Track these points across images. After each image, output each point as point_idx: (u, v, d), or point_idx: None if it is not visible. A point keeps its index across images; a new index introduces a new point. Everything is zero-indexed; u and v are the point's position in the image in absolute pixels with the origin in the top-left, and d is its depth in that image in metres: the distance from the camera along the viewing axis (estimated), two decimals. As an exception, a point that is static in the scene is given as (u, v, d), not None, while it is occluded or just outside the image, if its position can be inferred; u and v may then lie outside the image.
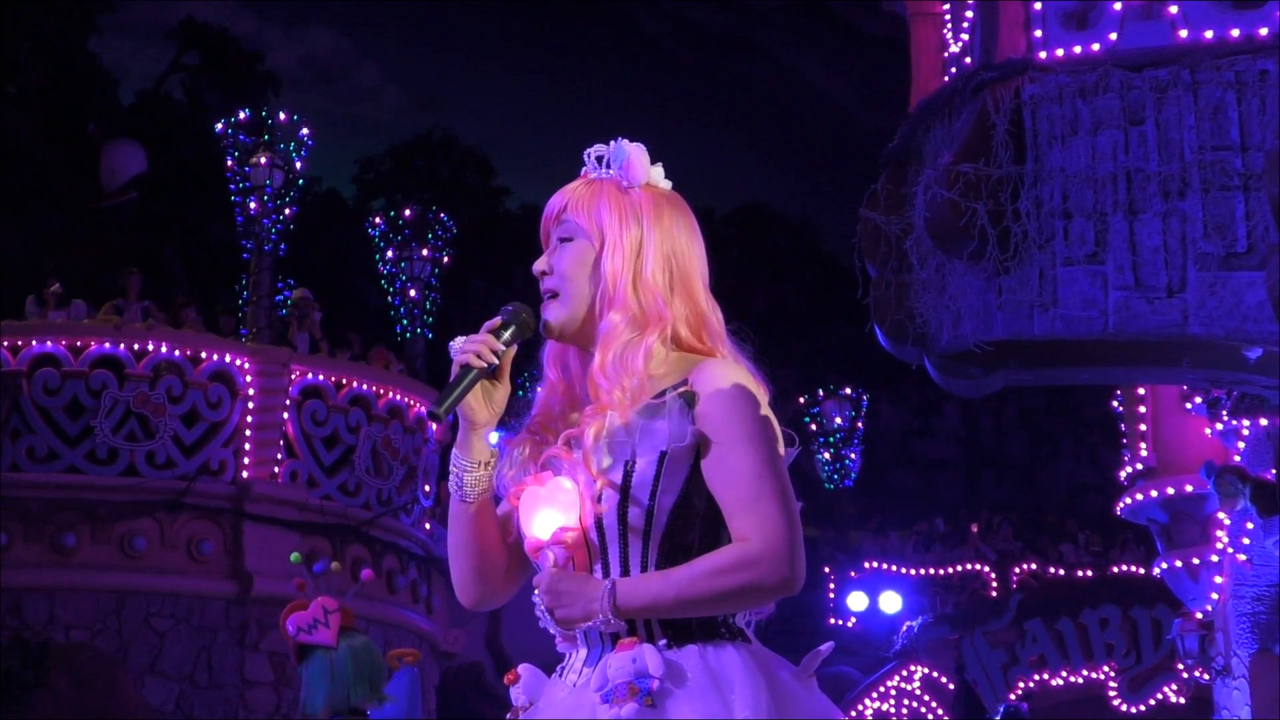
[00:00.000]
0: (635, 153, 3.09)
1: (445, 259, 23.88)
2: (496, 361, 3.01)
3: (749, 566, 2.82)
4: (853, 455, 29.70)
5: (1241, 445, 14.17)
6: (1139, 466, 15.66)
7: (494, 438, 3.09)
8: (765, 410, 2.94)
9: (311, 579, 8.01)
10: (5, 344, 16.32)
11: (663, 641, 2.88)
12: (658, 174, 3.13)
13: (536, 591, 2.95)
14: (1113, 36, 8.54)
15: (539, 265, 3.09)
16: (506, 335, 3.02)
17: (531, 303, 3.12)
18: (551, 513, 2.94)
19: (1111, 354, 9.13)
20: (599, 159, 3.11)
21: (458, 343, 3.02)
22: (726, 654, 2.87)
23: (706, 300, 3.08)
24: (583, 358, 3.07)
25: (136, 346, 16.48)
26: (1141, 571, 22.93)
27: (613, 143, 3.12)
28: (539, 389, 3.13)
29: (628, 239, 3.03)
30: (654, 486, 2.89)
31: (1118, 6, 8.56)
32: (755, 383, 2.99)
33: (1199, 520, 15.20)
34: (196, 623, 16.20)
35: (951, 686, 22.62)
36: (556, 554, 2.93)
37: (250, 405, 16.72)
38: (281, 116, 19.98)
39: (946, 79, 9.76)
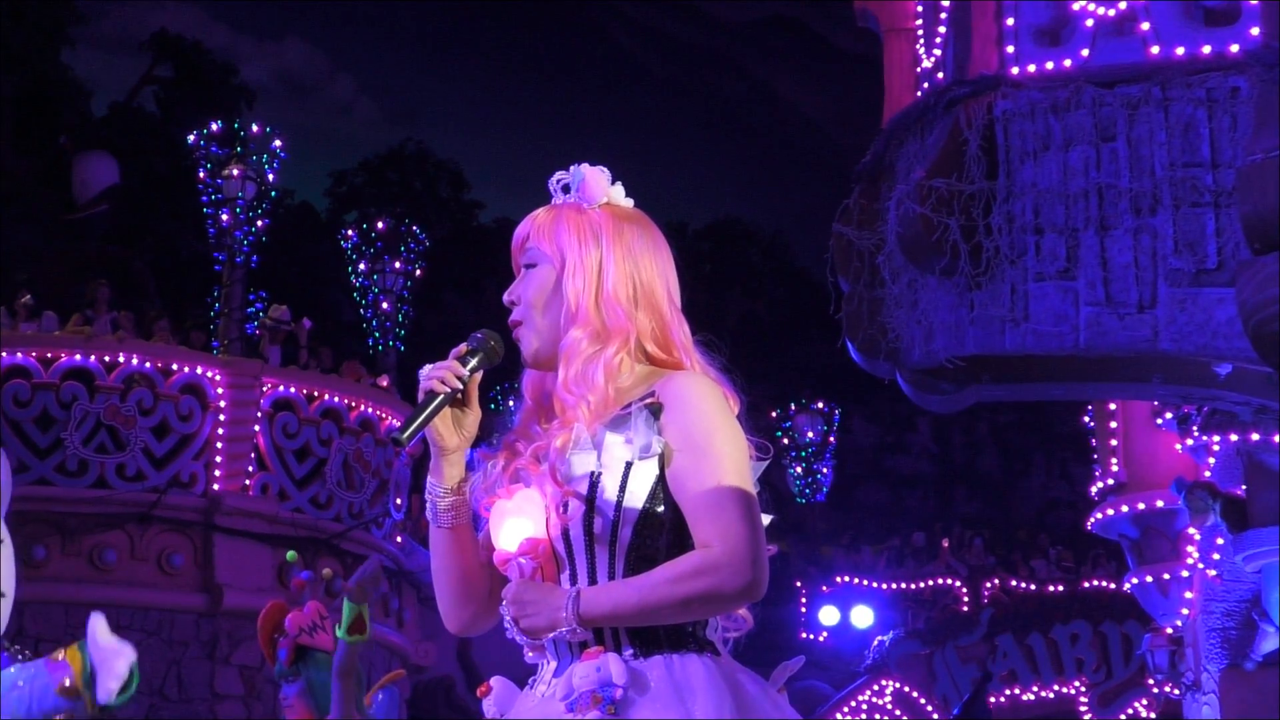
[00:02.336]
0: (591, 173, 3.11)
1: (418, 272, 23.95)
2: (460, 387, 3.02)
3: (709, 572, 2.83)
4: (825, 470, 29.71)
5: (1212, 461, 14.19)
6: (1110, 482, 15.69)
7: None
8: (732, 420, 2.95)
9: (311, 583, 7.95)
10: (-25, 355, 16.24)
11: (629, 651, 2.89)
12: (618, 193, 3.14)
13: (504, 603, 2.96)
14: (1085, 53, 8.55)
15: (506, 296, 3.11)
16: (473, 362, 3.04)
17: (501, 326, 3.13)
18: (518, 524, 2.96)
19: (1083, 369, 9.14)
20: (564, 187, 3.13)
21: (425, 370, 3.03)
22: (692, 664, 2.88)
23: (672, 314, 3.08)
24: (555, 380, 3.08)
25: (107, 358, 16.40)
26: (1112, 587, 22.99)
27: (573, 168, 3.13)
28: (519, 413, 3.14)
29: (588, 259, 3.04)
30: (619, 497, 2.90)
31: (1090, 23, 8.58)
32: (724, 393, 3.01)
33: (1170, 536, 15.23)
34: (167, 636, 16.11)
35: (923, 701, 22.64)
36: (524, 565, 2.95)
37: (221, 418, 16.64)
38: (254, 129, 19.97)
39: (919, 94, 9.76)
